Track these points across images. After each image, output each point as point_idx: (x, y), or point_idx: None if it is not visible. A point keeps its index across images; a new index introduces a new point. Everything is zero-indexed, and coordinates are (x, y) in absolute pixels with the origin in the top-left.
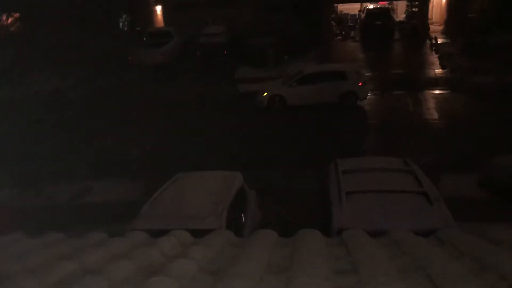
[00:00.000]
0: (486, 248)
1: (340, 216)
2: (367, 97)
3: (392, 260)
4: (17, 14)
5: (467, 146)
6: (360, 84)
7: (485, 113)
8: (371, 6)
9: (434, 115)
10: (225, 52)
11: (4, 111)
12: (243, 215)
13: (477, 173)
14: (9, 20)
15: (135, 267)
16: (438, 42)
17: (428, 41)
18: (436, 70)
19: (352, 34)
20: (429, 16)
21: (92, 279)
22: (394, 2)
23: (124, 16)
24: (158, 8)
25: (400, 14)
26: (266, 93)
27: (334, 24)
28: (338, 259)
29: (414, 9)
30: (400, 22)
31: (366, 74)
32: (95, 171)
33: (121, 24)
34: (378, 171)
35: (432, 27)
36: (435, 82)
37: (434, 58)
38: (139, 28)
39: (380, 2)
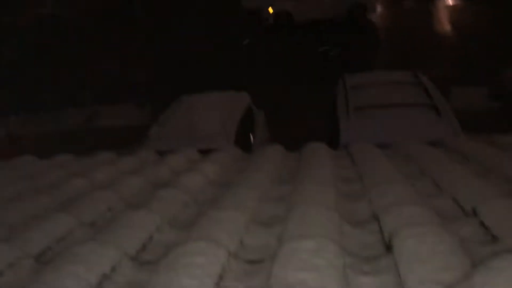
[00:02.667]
0: (491, 153)
1: (347, 130)
2: (377, 9)
3: (398, 168)
4: None
5: (479, 57)
6: None
7: (498, 23)
8: None
9: (445, 27)
10: None
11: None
12: (251, 134)
13: (488, 85)
14: None
15: (144, 181)
16: None
17: None
18: None
19: None
20: None
21: (102, 194)
22: None
23: None
24: None
25: None
26: (271, 10)
27: None
28: (343, 168)
29: None
30: None
31: None
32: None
33: None
34: (387, 85)
35: None
36: None
37: None
38: None
39: None
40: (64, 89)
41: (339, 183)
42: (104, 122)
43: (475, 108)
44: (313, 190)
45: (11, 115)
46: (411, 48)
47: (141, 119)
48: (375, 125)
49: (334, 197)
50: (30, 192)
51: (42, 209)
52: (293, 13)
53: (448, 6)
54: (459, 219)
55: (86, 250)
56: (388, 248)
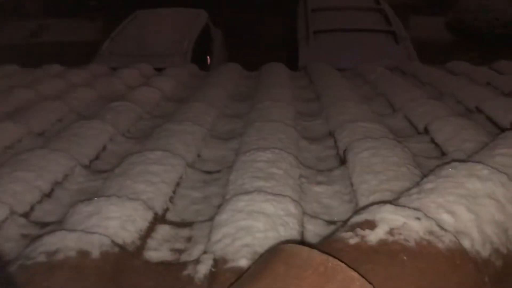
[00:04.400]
0: (445, 78)
1: (306, 53)
2: None
3: (355, 89)
4: None
5: None
6: None
7: None
8: None
9: None
10: None
11: None
12: (208, 53)
13: (446, 15)
14: None
15: (96, 94)
16: None
17: None
18: None
19: None
20: None
21: (51, 104)
22: None
23: None
24: None
25: None
26: None
27: None
28: (301, 88)
29: None
30: None
31: None
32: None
33: None
34: (348, 9)
35: None
36: None
37: None
38: None
39: None
40: None
41: (297, 101)
42: (52, 37)
43: (432, 37)
44: (272, 107)
45: None
46: None
47: (92, 34)
48: (334, 48)
49: (292, 114)
50: None
51: None
52: None
53: None
54: (412, 137)
55: (37, 158)
56: (342, 161)
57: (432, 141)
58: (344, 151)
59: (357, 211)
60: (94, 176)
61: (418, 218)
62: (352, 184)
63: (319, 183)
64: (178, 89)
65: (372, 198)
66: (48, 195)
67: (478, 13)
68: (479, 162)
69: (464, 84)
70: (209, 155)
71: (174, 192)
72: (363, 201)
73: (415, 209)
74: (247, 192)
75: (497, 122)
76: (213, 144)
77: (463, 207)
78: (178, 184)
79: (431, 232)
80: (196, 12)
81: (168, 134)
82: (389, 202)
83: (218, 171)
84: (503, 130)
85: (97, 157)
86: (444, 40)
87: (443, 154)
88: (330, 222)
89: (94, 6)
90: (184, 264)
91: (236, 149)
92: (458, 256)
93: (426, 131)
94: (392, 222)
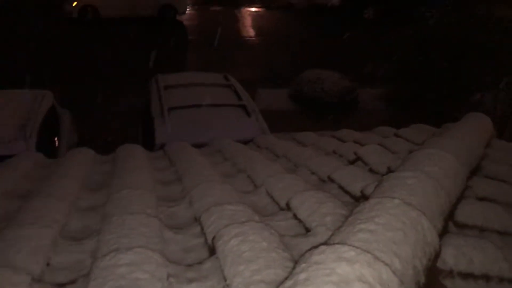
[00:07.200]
0: (297, 150)
1: (162, 131)
2: (186, 11)
3: (215, 167)
4: None
5: (281, 61)
6: None
7: (297, 29)
8: None
9: (251, 32)
10: None
11: None
12: (56, 137)
13: (288, 86)
14: None
15: None
16: None
17: None
18: None
19: None
20: None
21: None
22: None
23: None
24: None
25: None
26: (75, 2)
27: None
28: (161, 170)
29: None
30: None
31: None
32: None
33: None
34: (199, 86)
35: None
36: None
37: None
38: None
39: None
40: None
41: (157, 185)
42: None
43: (278, 108)
44: (130, 196)
45: None
46: (219, 50)
47: None
48: (189, 125)
49: (153, 202)
50: None
51: None
52: (100, 8)
53: (252, 12)
54: (276, 214)
55: None
56: (212, 251)
57: (295, 217)
58: (213, 239)
59: None
60: None
61: None
62: (225, 278)
63: (190, 280)
64: (21, 182)
65: None
66: None
67: (313, 85)
68: (344, 243)
69: (314, 154)
70: (61, 261)
71: None
72: None
73: None
74: None
75: (349, 191)
76: (66, 247)
77: None
78: None
79: None
80: (40, 94)
81: (9, 244)
82: None
83: (73, 282)
84: (356, 198)
85: None
86: (289, 110)
87: (308, 230)
88: None
89: None
90: None
91: (93, 251)
92: None
93: (288, 207)
94: None
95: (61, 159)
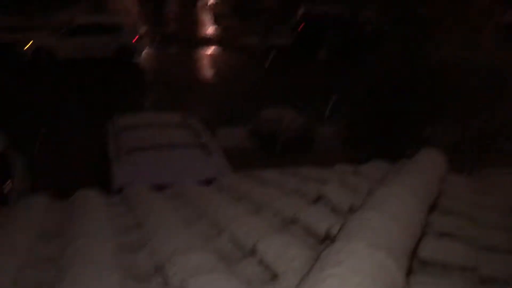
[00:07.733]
0: (259, 190)
1: (120, 174)
2: (143, 53)
3: (176, 211)
4: None
5: (239, 101)
6: (136, 38)
7: (253, 70)
8: None
9: (208, 72)
10: None
11: None
12: (7, 183)
13: (247, 125)
14: None
15: None
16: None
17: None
18: (210, 28)
19: None
20: None
21: None
22: None
23: None
24: None
25: None
26: (29, 44)
27: None
28: (119, 216)
29: None
30: None
31: (142, 29)
32: None
33: None
34: (158, 126)
35: None
36: (208, 41)
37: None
38: None
39: None
40: None
41: (116, 233)
42: None
43: (238, 146)
44: (88, 246)
45: None
46: (177, 90)
47: None
48: (149, 166)
49: (112, 251)
50: None
51: None
52: (55, 51)
53: (209, 54)
54: (242, 259)
55: None
56: None
57: (262, 262)
58: None
59: None
60: None
61: None
62: None
63: None
64: None
65: None
66: None
67: (272, 123)
68: None
69: (276, 194)
70: None
71: None
72: None
73: None
74: None
75: (314, 232)
76: None
77: None
78: None
79: None
80: None
81: None
82: None
83: None
84: (321, 239)
85: None
86: (248, 147)
87: (275, 275)
88: None
89: None
90: None
91: None
92: None
93: (254, 251)
94: None
95: (13, 208)
